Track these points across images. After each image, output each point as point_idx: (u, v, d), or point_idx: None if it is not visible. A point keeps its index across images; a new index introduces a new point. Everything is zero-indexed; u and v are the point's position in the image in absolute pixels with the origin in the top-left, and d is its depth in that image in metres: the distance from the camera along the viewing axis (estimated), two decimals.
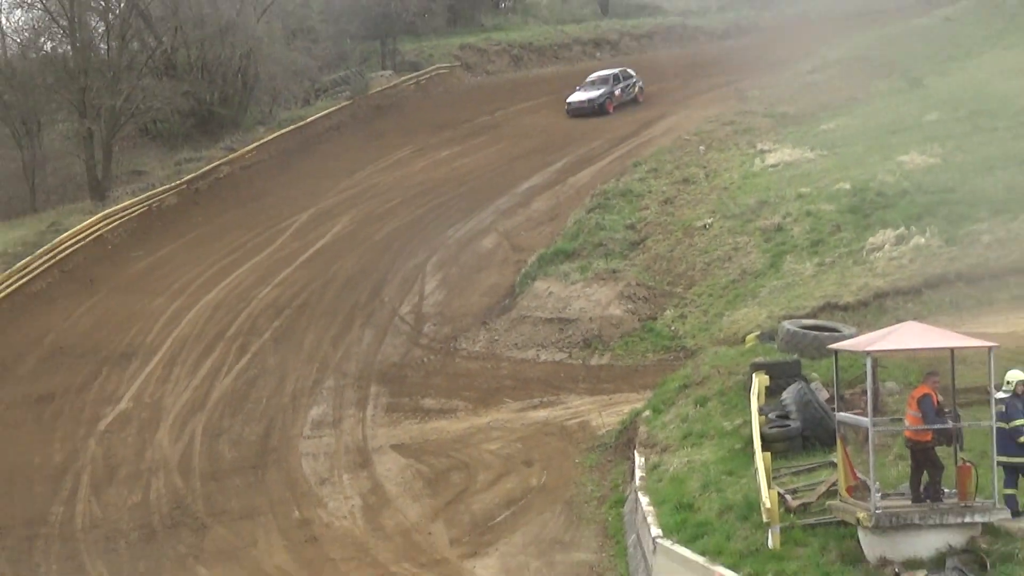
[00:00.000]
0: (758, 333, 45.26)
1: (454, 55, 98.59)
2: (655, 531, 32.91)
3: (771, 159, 62.59)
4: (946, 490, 29.46)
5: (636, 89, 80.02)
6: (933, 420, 29.04)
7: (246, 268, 63.42)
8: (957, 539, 29.02)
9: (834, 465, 32.05)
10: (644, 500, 34.81)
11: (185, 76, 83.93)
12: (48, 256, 66.15)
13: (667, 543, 32.19)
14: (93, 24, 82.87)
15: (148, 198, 74.30)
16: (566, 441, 42.96)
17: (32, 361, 55.51)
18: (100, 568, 38.01)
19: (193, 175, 77.56)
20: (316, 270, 62.44)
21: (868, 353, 30.42)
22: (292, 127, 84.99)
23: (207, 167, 78.79)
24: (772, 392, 36.77)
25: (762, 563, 29.95)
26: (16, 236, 68.45)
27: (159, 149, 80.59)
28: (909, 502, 29.55)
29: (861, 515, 29.39)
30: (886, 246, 50.52)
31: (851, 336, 34.60)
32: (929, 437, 29.36)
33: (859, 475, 30.36)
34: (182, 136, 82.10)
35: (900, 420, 30.48)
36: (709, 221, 57.26)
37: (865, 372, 30.92)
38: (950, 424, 29.50)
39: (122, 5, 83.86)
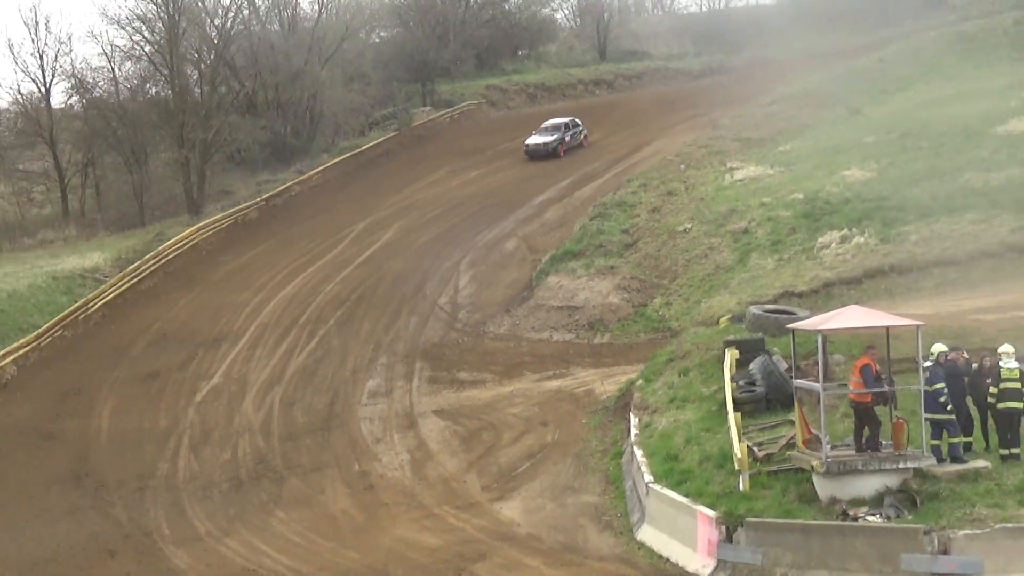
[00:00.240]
0: (729, 316, 45.35)
1: (481, 94, 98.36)
2: (648, 477, 32.94)
3: (739, 175, 62.40)
4: (883, 442, 29.56)
5: (582, 136, 79.05)
6: (872, 385, 29.19)
7: (314, 268, 63.37)
8: (893, 481, 29.04)
9: (792, 423, 32.02)
10: (638, 453, 34.86)
11: (263, 113, 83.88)
12: (154, 260, 66.25)
13: (657, 487, 32.23)
14: (189, 72, 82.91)
15: (234, 213, 74.31)
16: (575, 405, 42.85)
17: (142, 345, 55.51)
18: (198, 512, 37.95)
19: (270, 193, 77.50)
20: (370, 269, 62.39)
21: (819, 331, 30.54)
22: (350, 154, 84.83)
23: (281, 187, 78.71)
24: (741, 364, 36.97)
25: (735, 503, 29.96)
26: (128, 244, 68.41)
27: (243, 173, 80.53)
28: (853, 452, 29.71)
29: (815, 463, 29.40)
30: (832, 245, 50.61)
31: (805, 318, 34.36)
32: (869, 399, 29.40)
33: (813, 430, 30.40)
34: (261, 162, 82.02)
35: (845, 385, 30.66)
36: (689, 226, 57.12)
37: (817, 347, 30.83)
38: (886, 388, 29.65)
39: (212, 56, 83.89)
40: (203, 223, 72.18)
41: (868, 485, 28.94)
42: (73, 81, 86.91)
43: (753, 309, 42.55)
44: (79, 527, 37.84)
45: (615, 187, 66.31)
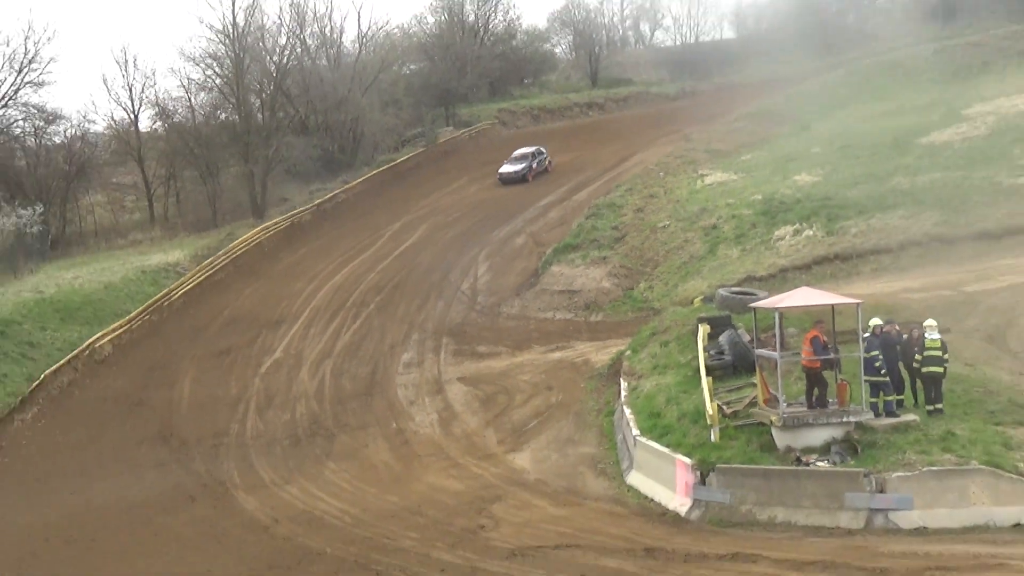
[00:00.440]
0: (702, 297, 45.73)
1: (494, 116, 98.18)
2: (635, 431, 32.98)
3: (708, 180, 62.32)
4: (830, 400, 29.59)
5: (547, 162, 77.74)
6: (821, 353, 29.31)
7: (357, 262, 63.33)
8: (838, 433, 29.18)
9: (754, 385, 32.08)
10: (627, 411, 34.90)
11: (314, 134, 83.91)
12: (225, 256, 66.26)
13: (643, 439, 32.34)
14: (252, 100, 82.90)
15: (290, 216, 74.18)
16: (574, 372, 42.80)
17: (215, 326, 55.57)
18: (263, 464, 38.01)
19: (320, 200, 77.31)
20: (404, 262, 62.34)
21: (776, 309, 30.70)
22: (386, 166, 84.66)
23: (329, 195, 78.52)
24: (712, 337, 37.15)
25: (707, 452, 30.14)
26: (203, 243, 68.44)
27: (298, 183, 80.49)
28: (805, 409, 29.82)
29: (773, 418, 29.44)
30: (786, 237, 50.70)
31: (764, 298, 34.44)
32: (818, 365, 29.49)
33: (771, 391, 30.42)
34: (313, 174, 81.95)
35: (798, 354, 30.70)
36: (667, 223, 57.04)
37: (774, 322, 30.83)
38: (832, 356, 29.86)
39: (271, 87, 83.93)
40: (265, 225, 72.20)
41: (817, 436, 29.03)
42: (157, 109, 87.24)
43: (721, 291, 42.78)
44: (165, 477, 37.96)
45: (606, 191, 66.24)
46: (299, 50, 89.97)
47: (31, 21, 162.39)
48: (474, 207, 71.46)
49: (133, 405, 46.07)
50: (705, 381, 33.48)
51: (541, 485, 33.01)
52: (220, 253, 66.72)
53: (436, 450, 37.50)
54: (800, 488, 27.83)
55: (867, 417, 29.02)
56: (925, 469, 26.72)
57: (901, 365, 30.33)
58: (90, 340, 51.43)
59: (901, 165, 55.31)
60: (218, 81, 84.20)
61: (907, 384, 30.49)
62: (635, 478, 32.06)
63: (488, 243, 63.11)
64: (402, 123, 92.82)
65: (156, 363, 50.94)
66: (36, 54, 76.49)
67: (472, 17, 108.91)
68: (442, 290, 56.84)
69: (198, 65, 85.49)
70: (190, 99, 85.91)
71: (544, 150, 78.31)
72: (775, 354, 30.33)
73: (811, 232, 50.37)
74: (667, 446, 31.08)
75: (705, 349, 36.08)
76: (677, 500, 29.58)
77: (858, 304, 30.67)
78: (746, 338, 35.56)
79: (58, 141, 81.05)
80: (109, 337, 52.75)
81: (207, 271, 64.07)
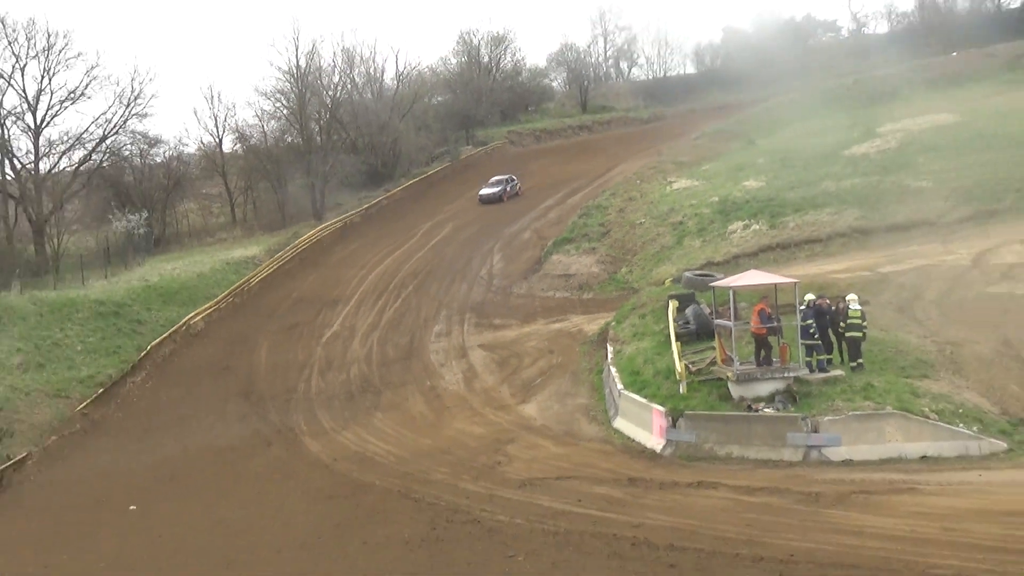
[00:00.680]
0: (671, 278, 45.67)
1: (504, 136, 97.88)
2: (619, 386, 32.97)
3: (675, 186, 62.07)
4: (774, 360, 29.47)
5: (518, 187, 75.50)
6: (766, 322, 29.34)
7: (397, 254, 63.24)
8: (780, 385, 29.21)
9: (714, 348, 32.13)
10: (613, 370, 34.89)
11: (361, 152, 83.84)
12: (291, 250, 66.19)
13: (626, 392, 32.40)
14: (312, 127, 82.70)
15: (344, 218, 74.01)
16: (571, 339, 42.73)
17: (286, 306, 55.52)
18: (324, 415, 38.11)
19: (367, 205, 77.16)
20: (434, 253, 62.26)
21: (730, 288, 30.73)
22: (419, 178, 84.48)
23: (374, 201, 78.32)
24: (679, 310, 37.16)
25: (677, 401, 30.25)
26: (274, 240, 68.44)
27: (349, 191, 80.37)
28: (754, 366, 29.54)
29: (729, 374, 29.40)
30: (738, 230, 50.54)
31: (721, 279, 34.22)
32: (764, 331, 29.55)
33: (727, 353, 30.44)
34: (361, 184, 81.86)
35: (748, 323, 30.55)
36: (643, 220, 56.86)
37: (729, 298, 30.71)
38: (775, 324, 29.82)
39: (327, 115, 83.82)
40: (323, 225, 72.01)
41: (764, 388, 29.06)
42: (237, 134, 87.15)
43: (687, 274, 42.95)
44: (247, 426, 38.06)
45: (594, 196, 66.05)
46: (349, 86, 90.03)
47: (136, 66, 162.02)
48: (489, 210, 71.39)
49: (221, 369, 46.16)
50: (674, 345, 33.74)
51: (545, 429, 33.05)
52: (288, 248, 66.65)
53: (461, 402, 37.53)
54: (751, 430, 27.92)
55: (803, 373, 29.16)
56: (850, 413, 26.84)
57: (830, 331, 30.58)
58: (186, 318, 51.55)
59: (829, 173, 55.18)
60: (285, 111, 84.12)
61: (835, 346, 30.69)
62: (620, 423, 32.09)
63: (501, 238, 63.00)
64: (431, 143, 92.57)
65: (238, 336, 50.99)
66: (140, 92, 76.33)
67: (486, 58, 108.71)
68: (465, 275, 56.74)
69: (269, 99, 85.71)
70: (263, 126, 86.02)
71: (515, 178, 76.78)
72: (730, 323, 30.60)
73: (757, 226, 50.28)
74: (645, 397, 31.17)
75: (674, 320, 36.13)
76: (653, 440, 29.64)
77: (795, 283, 30.93)
78: (707, 311, 35.44)
79: (159, 161, 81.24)
80: (201, 315, 52.87)
81: (278, 262, 64.01)
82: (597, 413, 33.90)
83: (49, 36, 75.86)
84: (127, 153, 78.14)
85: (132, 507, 29.77)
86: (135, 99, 76.41)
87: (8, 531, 29.01)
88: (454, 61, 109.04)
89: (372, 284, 57.60)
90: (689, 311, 36.52)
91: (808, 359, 29.49)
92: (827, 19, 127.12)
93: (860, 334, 29.99)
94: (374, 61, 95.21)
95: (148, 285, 54.97)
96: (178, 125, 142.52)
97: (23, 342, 43.60)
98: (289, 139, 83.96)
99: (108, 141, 75.70)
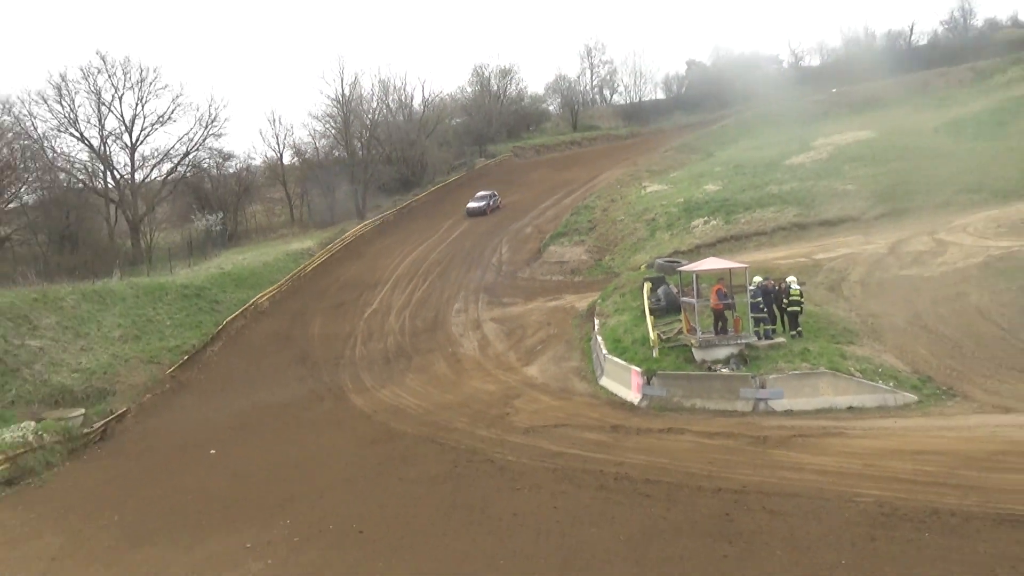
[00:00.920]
0: (646, 264, 45.46)
1: (510, 150, 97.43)
2: (604, 351, 32.82)
3: (649, 190, 61.83)
4: (729, 330, 29.24)
5: (499, 201, 73.07)
6: (723, 299, 29.35)
7: (423, 246, 63.08)
8: (734, 350, 29.05)
9: (680, 320, 31.88)
10: (599, 338, 34.75)
11: (395, 164, 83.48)
12: (339, 243, 65.98)
13: (610, 356, 32.19)
14: (355, 143, 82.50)
15: (381, 216, 73.71)
16: (565, 314, 42.59)
17: (335, 288, 55.36)
18: (367, 376, 38.05)
19: (400, 206, 76.85)
20: (453, 246, 62.09)
21: (694, 272, 30.49)
22: (441, 184, 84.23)
23: (405, 203, 77.97)
24: (652, 290, 37.02)
25: (651, 363, 30.09)
26: (325, 235, 68.27)
27: (385, 196, 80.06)
28: (713, 335, 29.31)
29: (693, 341, 29.29)
30: (700, 225, 50.31)
31: (686, 265, 34.12)
32: (721, 307, 29.48)
33: (692, 324, 30.17)
34: (395, 189, 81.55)
35: (708, 300, 30.25)
36: (623, 217, 56.67)
37: (692, 280, 30.53)
38: (730, 301, 29.64)
39: (367, 134, 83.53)
40: (365, 222, 71.79)
41: (721, 352, 28.96)
42: (294, 149, 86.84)
43: (658, 260, 42.75)
44: (303, 385, 38.02)
45: (583, 198, 65.83)
46: (384, 110, 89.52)
47: (213, 94, 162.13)
48: (496, 211, 71.22)
49: (282, 339, 46.12)
50: (648, 318, 33.65)
51: (544, 387, 32.99)
52: (336, 241, 66.42)
53: (477, 365, 37.44)
54: (711, 386, 27.84)
55: (753, 340, 29.07)
56: (790, 372, 26.80)
57: (774, 306, 30.47)
58: (254, 298, 51.47)
59: (773, 178, 54.99)
60: (333, 131, 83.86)
61: (778, 318, 30.54)
62: (605, 381, 32.01)
63: (508, 232, 62.80)
64: (451, 156, 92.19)
65: (296, 312, 50.92)
66: (216, 116, 77.93)
67: (495, 87, 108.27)
68: (479, 263, 56.56)
69: (320, 121, 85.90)
70: (315, 143, 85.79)
71: (496, 193, 74.70)
72: (694, 300, 30.50)
73: (715, 222, 50.09)
74: (625, 360, 31.04)
75: (648, 298, 35.99)
76: (632, 395, 29.55)
77: (746, 268, 30.94)
78: (675, 291, 35.39)
79: (231, 171, 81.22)
80: (266, 296, 52.78)
81: (328, 253, 63.82)
82: (586, 373, 33.85)
83: (142, 71, 76.82)
84: (206, 165, 78.22)
85: (212, 451, 29.81)
86: (212, 122, 76.84)
87: (113, 471, 29.10)
88: (469, 89, 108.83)
89: (404, 270, 57.48)
90: (660, 291, 36.46)
91: (756, 329, 29.44)
92: (771, 54, 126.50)
93: (799, 308, 30.04)
94: (405, 90, 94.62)
95: (223, 272, 55.00)
96: (247, 142, 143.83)
97: (123, 319, 43.64)
98: (336, 153, 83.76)
99: (190, 156, 75.99)
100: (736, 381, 27.30)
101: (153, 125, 73.27)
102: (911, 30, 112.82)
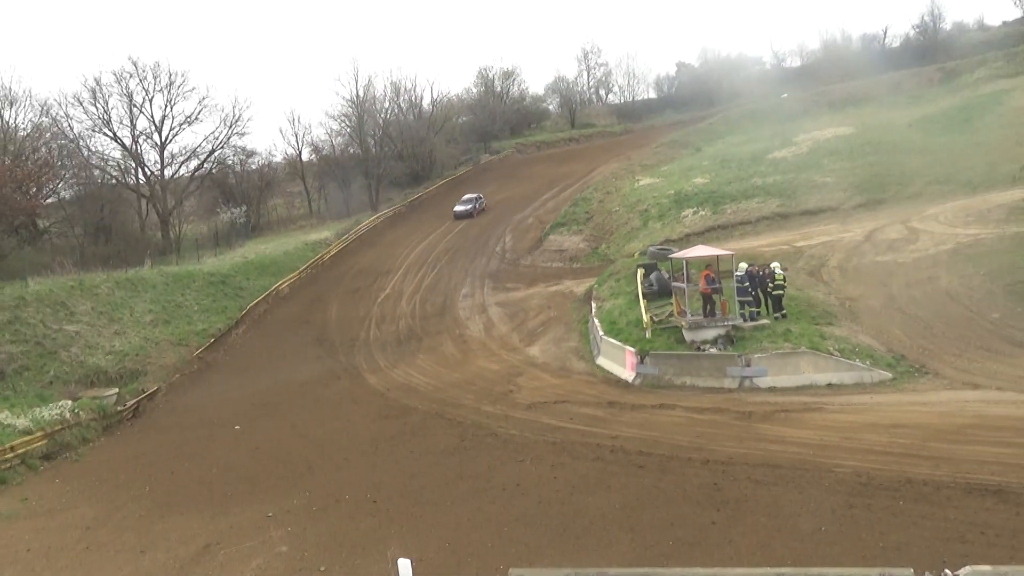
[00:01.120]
0: (639, 252, 45.15)
1: (513, 147, 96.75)
2: (601, 332, 32.73)
3: (641, 183, 61.48)
4: (717, 312, 29.12)
5: (484, 204, 70.12)
6: (711, 284, 29.31)
7: (433, 235, 62.86)
8: (721, 331, 29.00)
9: (672, 304, 31.76)
10: (596, 321, 34.60)
11: (406, 160, 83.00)
12: (354, 233, 65.65)
13: (606, 337, 32.12)
14: (369, 141, 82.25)
15: (393, 209, 73.28)
16: (564, 298, 42.45)
17: (350, 275, 55.21)
18: (380, 357, 37.92)
19: (411, 199, 76.42)
20: (460, 235, 61.84)
21: (684, 259, 30.28)
22: (449, 178, 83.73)
23: (415, 196, 77.50)
24: (645, 275, 36.87)
25: (644, 344, 29.97)
26: (341, 226, 67.98)
27: (397, 189, 79.73)
28: (702, 317, 29.18)
29: (683, 323, 29.19)
30: (689, 215, 50.12)
31: (676, 252, 33.98)
32: (709, 291, 29.40)
33: (682, 307, 30.03)
34: (406, 183, 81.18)
35: (697, 285, 30.10)
36: (617, 208, 56.44)
37: (683, 266, 30.41)
38: (718, 285, 29.45)
39: (380, 132, 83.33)
40: (378, 214, 71.50)
41: (710, 333, 28.87)
42: (312, 147, 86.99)
43: (651, 248, 42.58)
44: (322, 365, 37.95)
45: (580, 191, 65.49)
46: (396, 110, 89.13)
47: (236, 96, 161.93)
48: (501, 201, 70.89)
49: (302, 323, 46.07)
50: (642, 302, 33.54)
51: (545, 366, 32.88)
52: (351, 232, 66.12)
53: (482, 346, 37.31)
54: (700, 365, 27.74)
55: (739, 322, 28.93)
56: (774, 352, 26.68)
57: (759, 290, 30.29)
58: (276, 285, 51.41)
59: (756, 171, 54.76)
60: (348, 130, 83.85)
61: (762, 301, 30.40)
62: (602, 360, 31.89)
63: (511, 222, 62.53)
64: (458, 152, 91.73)
65: (315, 297, 50.84)
66: (240, 116, 78.07)
67: (499, 88, 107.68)
68: (484, 251, 56.34)
69: (336, 120, 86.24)
70: (331, 141, 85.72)
71: (482, 196, 72.14)
72: (683, 285, 30.32)
73: (704, 212, 49.84)
74: (620, 341, 30.88)
75: (641, 283, 35.88)
76: (627, 373, 29.45)
77: (732, 255, 30.74)
78: (666, 276, 35.21)
79: (254, 167, 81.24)
80: (287, 283, 52.70)
81: (344, 243, 63.57)
82: (584, 353, 33.73)
83: (170, 75, 76.99)
84: (230, 162, 78.22)
85: (236, 427, 29.80)
86: (236, 121, 76.83)
87: (144, 446, 29.10)
88: (474, 90, 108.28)
89: (415, 258, 57.31)
90: (653, 276, 36.31)
91: (742, 311, 29.32)
92: (755, 56, 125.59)
93: (782, 292, 29.98)
94: (415, 91, 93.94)
95: (247, 261, 54.98)
96: (268, 140, 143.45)
97: (153, 304, 43.63)
98: (351, 150, 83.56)
99: (216, 153, 76.06)
100: (723, 360, 27.19)
101: (181, 125, 73.28)
102: (885, 33, 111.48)
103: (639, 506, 17.54)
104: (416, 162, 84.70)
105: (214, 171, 76.55)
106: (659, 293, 35.11)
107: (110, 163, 69.97)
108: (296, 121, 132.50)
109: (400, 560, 11.48)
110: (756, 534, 15.56)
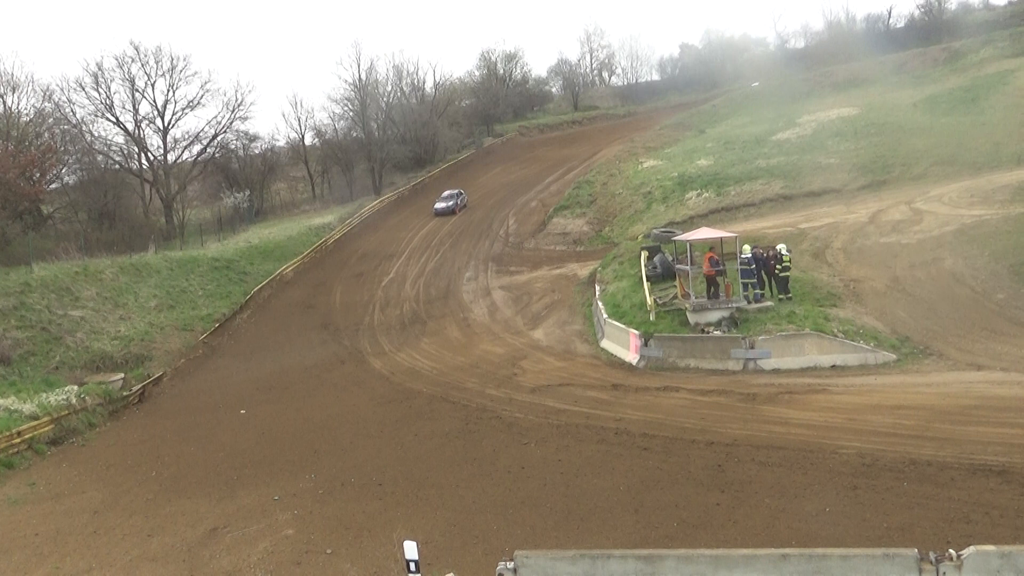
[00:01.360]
0: (643, 234, 45.11)
1: (516, 130, 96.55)
2: (604, 315, 32.75)
3: (645, 165, 61.39)
4: (720, 294, 29.17)
5: (464, 200, 67.46)
6: (714, 266, 29.36)
7: (436, 219, 62.91)
8: (725, 313, 28.97)
9: (675, 286, 31.81)
10: (600, 304, 34.64)
11: (409, 143, 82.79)
12: (358, 217, 65.71)
13: (610, 320, 32.15)
14: (371, 124, 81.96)
15: (397, 193, 73.31)
16: (568, 281, 42.50)
17: (355, 259, 55.26)
18: (384, 341, 37.97)
19: (414, 183, 76.33)
20: (465, 219, 61.80)
21: (688, 241, 30.36)
22: (453, 161, 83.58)
23: (419, 179, 77.44)
24: (649, 258, 36.84)
25: (648, 326, 29.99)
26: (345, 210, 67.94)
27: (400, 173, 79.61)
28: (706, 299, 29.21)
29: (687, 305, 29.21)
30: (693, 197, 50.09)
31: (680, 234, 33.95)
32: (713, 273, 29.40)
33: (686, 289, 30.07)
34: (409, 167, 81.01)
35: (701, 267, 30.11)
36: (621, 191, 56.34)
37: (686, 248, 30.39)
38: (721, 268, 29.40)
39: (382, 116, 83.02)
40: (381, 198, 71.48)
41: (713, 316, 28.85)
42: (315, 131, 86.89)
43: (654, 230, 42.74)
44: (326, 349, 37.99)
45: (584, 173, 65.34)
46: (399, 93, 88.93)
47: (239, 80, 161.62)
48: (505, 185, 70.72)
49: (306, 307, 46.11)
50: (646, 284, 33.56)
51: (549, 349, 32.92)
52: (354, 216, 66.12)
53: (486, 330, 37.34)
54: (704, 347, 27.76)
55: (742, 304, 28.93)
56: (778, 334, 26.71)
57: (763, 272, 30.26)
58: (280, 269, 51.43)
59: (760, 153, 54.69)
60: (351, 113, 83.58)
61: (767, 283, 30.38)
62: (606, 343, 31.91)
63: (514, 206, 62.50)
64: (461, 135, 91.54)
65: (319, 282, 50.86)
66: (242, 100, 78.31)
67: (501, 71, 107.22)
68: (488, 234, 56.33)
69: (339, 104, 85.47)
70: (334, 125, 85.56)
71: (463, 192, 69.97)
72: (687, 267, 30.41)
73: (707, 194, 49.75)
74: (624, 324, 30.92)
75: (645, 265, 35.83)
76: (631, 356, 29.47)
77: (736, 237, 30.72)
78: (670, 258, 35.19)
79: (257, 152, 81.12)
80: (291, 267, 52.71)
81: (347, 227, 63.54)
82: (588, 336, 33.76)
83: (172, 59, 76.59)
84: (233, 147, 78.05)
85: (242, 411, 29.87)
86: (238, 106, 76.98)
87: (150, 430, 29.18)
88: (477, 73, 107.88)
89: (419, 242, 57.29)
90: (656, 259, 36.28)
91: (746, 293, 29.34)
92: (758, 37, 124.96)
93: (787, 274, 29.96)
94: (417, 74, 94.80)
95: (251, 245, 55.01)
96: (271, 125, 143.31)
97: (158, 290, 43.66)
98: (354, 134, 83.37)
99: (218, 138, 75.95)
100: (727, 342, 27.20)
101: (184, 110, 73.16)
102: (889, 13, 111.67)
103: (643, 488, 17.58)
104: (419, 146, 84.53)
105: (217, 156, 76.44)
106: (663, 275, 35.10)
107: (113, 148, 70.01)
108: (299, 105, 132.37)
109: (406, 542, 11.56)
110: (760, 515, 15.60)
